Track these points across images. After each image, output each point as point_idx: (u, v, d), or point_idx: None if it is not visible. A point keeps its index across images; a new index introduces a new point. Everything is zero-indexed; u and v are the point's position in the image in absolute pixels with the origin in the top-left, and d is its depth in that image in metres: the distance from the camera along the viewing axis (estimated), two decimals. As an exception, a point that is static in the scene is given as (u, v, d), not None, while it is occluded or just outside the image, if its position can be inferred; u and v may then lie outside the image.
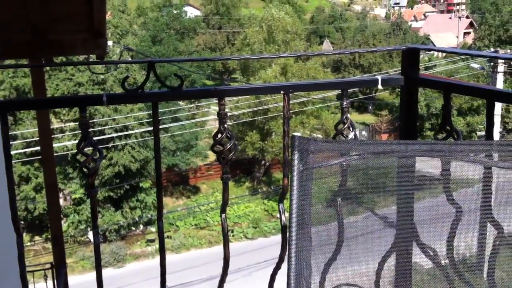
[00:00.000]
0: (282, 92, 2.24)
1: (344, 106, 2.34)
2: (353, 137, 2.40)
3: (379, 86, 2.37)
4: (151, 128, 23.05)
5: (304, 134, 30.99)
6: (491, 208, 1.77)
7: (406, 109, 2.38)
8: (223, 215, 2.31)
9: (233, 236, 25.54)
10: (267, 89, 2.39)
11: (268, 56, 2.64)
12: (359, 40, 56.25)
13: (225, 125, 2.19)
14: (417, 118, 2.43)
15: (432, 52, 65.91)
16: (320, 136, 35.83)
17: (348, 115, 2.36)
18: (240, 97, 27.59)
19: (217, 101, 2.17)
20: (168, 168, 27.72)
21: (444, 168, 1.84)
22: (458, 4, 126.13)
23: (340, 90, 2.35)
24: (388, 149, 1.85)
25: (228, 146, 2.22)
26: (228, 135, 2.22)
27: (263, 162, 30.80)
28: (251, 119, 27.26)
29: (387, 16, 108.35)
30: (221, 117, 2.19)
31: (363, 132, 40.47)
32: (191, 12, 60.35)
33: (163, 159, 26.70)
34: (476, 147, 1.80)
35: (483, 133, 24.85)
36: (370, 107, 45.56)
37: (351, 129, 2.38)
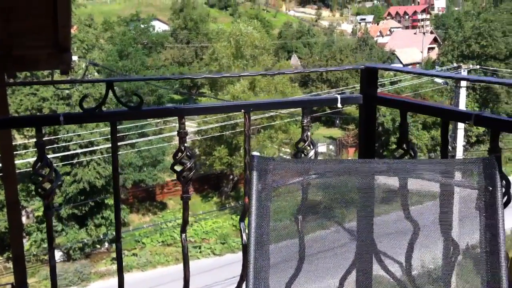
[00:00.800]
0: (242, 110, 2.24)
1: (304, 124, 2.36)
2: (314, 155, 2.41)
3: (339, 105, 2.40)
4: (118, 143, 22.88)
5: (272, 148, 31.10)
6: (447, 223, 1.80)
7: (365, 127, 2.42)
8: (183, 235, 2.29)
9: (200, 252, 25.29)
10: (228, 108, 2.39)
11: (228, 75, 2.64)
12: (326, 55, 57.02)
13: (185, 144, 2.18)
14: (376, 136, 2.46)
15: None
16: (288, 150, 36.02)
17: (309, 133, 2.38)
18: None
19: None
20: (134, 184, 27.35)
21: (401, 186, 1.87)
22: (422, 20, 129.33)
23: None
24: (347, 168, 1.88)
25: (188, 165, 2.21)
26: (188, 154, 2.21)
27: (231, 177, 30.74)
28: (219, 133, 27.23)
29: (354, 31, 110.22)
30: (181, 136, 2.18)
31: (331, 146, 40.84)
32: (159, 26, 60.19)
33: (129, 175, 26.35)
34: (431, 166, 1.84)
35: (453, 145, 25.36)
36: (337, 122, 46.08)
37: (311, 146, 2.40)
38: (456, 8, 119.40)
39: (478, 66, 33.36)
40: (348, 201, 1.94)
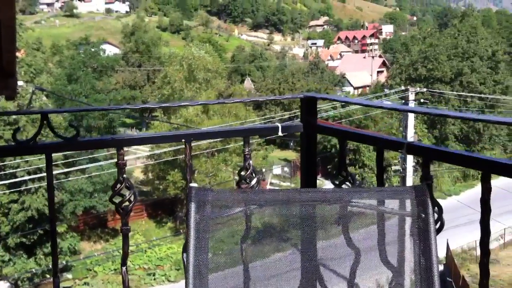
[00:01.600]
0: (183, 140, 2.23)
1: (246, 153, 2.37)
2: (256, 183, 2.42)
3: (279, 133, 2.42)
4: (67, 170, 22.27)
5: (227, 171, 31.04)
6: (384, 250, 1.84)
7: (306, 156, 2.45)
8: (124, 268, 2.23)
9: (154, 279, 24.79)
10: (168, 138, 2.37)
11: (168, 104, 2.63)
12: (279, 78, 57.72)
13: (124, 175, 2.14)
14: (317, 164, 2.49)
15: (347, 91, 68.64)
16: (243, 173, 36.01)
17: (251, 161, 2.38)
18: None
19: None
20: (85, 211, 26.66)
21: (341, 213, 1.90)
22: (371, 44, 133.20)
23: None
24: (287, 197, 1.90)
25: (128, 197, 2.17)
26: (128, 184, 2.17)
27: (214, 189, 30.37)
28: (172, 158, 26.96)
29: (305, 55, 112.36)
30: (120, 167, 2.14)
31: (286, 169, 41.12)
32: (110, 50, 59.67)
33: (80, 201, 25.69)
34: (366, 194, 1.88)
35: (398, 167, 25.99)
36: (292, 144, 46.51)
37: (254, 175, 2.41)
38: (403, 33, 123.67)
39: (425, 89, 34.41)
40: (290, 229, 1.96)
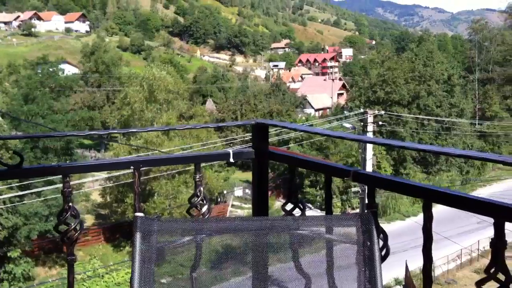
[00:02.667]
0: (132, 167, 2.20)
1: (197, 179, 2.35)
2: (207, 210, 2.40)
3: (231, 160, 2.42)
4: (21, 193, 21.59)
5: (187, 193, 30.74)
6: (331, 277, 1.84)
7: (257, 182, 2.45)
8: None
9: (111, 306, 24.19)
10: (116, 165, 2.34)
11: (116, 131, 2.60)
12: (241, 100, 57.95)
13: (70, 204, 2.09)
14: (268, 190, 2.50)
15: (307, 113, 69.45)
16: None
17: (202, 188, 2.37)
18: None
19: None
20: (40, 235, 25.84)
21: (290, 241, 1.90)
22: (331, 67, 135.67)
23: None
24: (238, 226, 1.90)
25: (73, 226, 2.12)
26: (74, 213, 2.13)
27: (161, 218, 29.87)
28: (131, 180, 26.53)
29: (267, 77, 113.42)
30: (66, 195, 2.09)
31: (247, 190, 41.04)
32: (69, 69, 58.78)
33: (35, 225, 24.92)
34: (313, 222, 1.89)
35: (357, 188, 26.38)
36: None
37: (204, 201, 2.39)
38: (362, 56, 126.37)
39: (383, 112, 34.98)
40: (241, 257, 1.95)
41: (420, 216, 1.69)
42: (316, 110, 77.26)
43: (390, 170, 41.01)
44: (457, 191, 1.59)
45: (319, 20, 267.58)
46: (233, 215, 34.86)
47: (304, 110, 73.75)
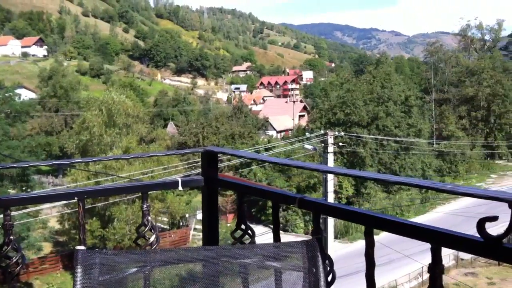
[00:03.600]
0: (76, 198, 2.15)
1: (144, 209, 2.32)
2: (155, 240, 2.37)
3: (180, 188, 2.40)
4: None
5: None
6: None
7: (207, 210, 2.43)
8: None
9: (70, 335, 23.39)
10: (60, 196, 2.28)
11: (79, 160, 2.56)
12: (202, 122, 57.82)
13: (11, 237, 2.02)
14: (218, 218, 2.48)
15: (269, 135, 69.82)
16: (166, 219, 35.29)
17: (149, 217, 2.34)
18: (79, 177, 26.37)
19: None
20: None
21: (239, 270, 1.89)
22: (292, 89, 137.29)
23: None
24: (185, 256, 1.88)
25: (15, 260, 2.05)
26: (15, 246, 2.06)
27: (104, 251, 29.22)
28: (90, 205, 25.99)
29: (229, 100, 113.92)
30: (7, 228, 2.02)
31: (209, 213, 40.74)
32: (26, 94, 57.53)
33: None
34: (259, 250, 1.88)
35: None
36: (215, 188, 46.21)
37: (152, 231, 2.36)
38: (322, 79, 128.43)
39: (343, 133, 35.43)
40: (190, 287, 1.92)
41: (382, 235, 1.71)
42: (278, 131, 77.83)
43: (352, 190, 41.46)
44: (397, 217, 1.62)
45: (280, 44, 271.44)
46: (195, 239, 34.45)
47: (266, 132, 74.19)
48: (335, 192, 35.53)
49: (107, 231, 27.32)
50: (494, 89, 64.57)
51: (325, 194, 24.36)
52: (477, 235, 1.31)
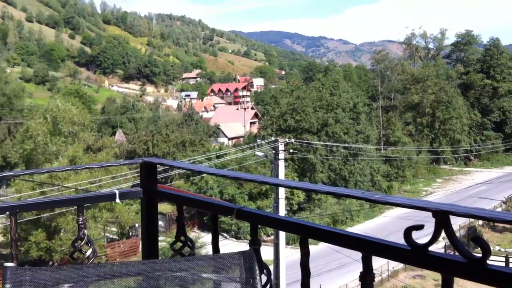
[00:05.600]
0: (7, 213, 2.07)
1: (80, 222, 2.26)
2: (92, 253, 2.31)
3: (117, 201, 2.35)
4: None
5: (97, 228, 29.59)
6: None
7: (146, 222, 2.39)
8: None
9: None
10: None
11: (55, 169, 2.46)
12: (152, 130, 57.14)
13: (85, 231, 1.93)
14: (158, 231, 2.44)
15: (220, 142, 69.73)
16: (114, 229, 34.56)
17: (85, 231, 2.28)
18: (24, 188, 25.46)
19: None
20: None
21: (179, 283, 1.87)
22: (243, 96, 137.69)
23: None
24: (120, 271, 1.83)
25: (87, 254, 1.98)
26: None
27: (50, 263, 28.37)
28: (36, 216, 25.12)
29: (179, 107, 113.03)
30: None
31: (160, 222, 40.22)
32: (-36, 103, 55.37)
33: None
34: (197, 262, 1.86)
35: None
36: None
37: (89, 244, 2.30)
38: (273, 86, 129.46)
39: (293, 140, 35.77)
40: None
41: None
42: (230, 138, 77.85)
43: (303, 196, 41.86)
44: (330, 227, 1.64)
45: (230, 51, 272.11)
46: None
47: (218, 139, 74.08)
48: (287, 198, 35.82)
49: (53, 243, 26.50)
50: (438, 96, 66.90)
51: (276, 200, 24.50)
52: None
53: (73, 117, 31.01)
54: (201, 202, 2.17)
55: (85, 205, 2.30)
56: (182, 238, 2.23)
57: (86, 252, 2.28)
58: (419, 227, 1.29)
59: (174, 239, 2.25)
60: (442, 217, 1.24)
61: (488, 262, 1.20)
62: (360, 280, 1.48)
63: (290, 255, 29.92)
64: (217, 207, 2.05)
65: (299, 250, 1.69)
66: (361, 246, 1.46)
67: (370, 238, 1.45)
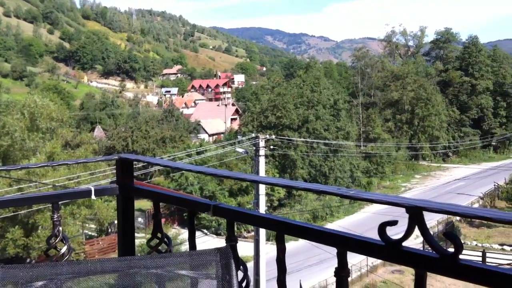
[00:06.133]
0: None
1: (55, 219, 2.23)
2: (67, 251, 2.28)
3: (93, 197, 2.32)
4: None
5: (75, 225, 29.31)
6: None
7: (122, 219, 2.37)
8: None
9: None
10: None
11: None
12: (132, 126, 56.73)
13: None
14: (134, 228, 2.42)
15: (201, 138, 69.56)
16: (93, 226, 34.27)
17: (60, 228, 2.24)
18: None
19: None
20: None
21: (155, 280, 1.85)
22: (224, 93, 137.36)
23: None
24: (95, 268, 1.81)
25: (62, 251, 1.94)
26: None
27: (28, 260, 28.01)
28: (12, 213, 24.72)
29: (159, 103, 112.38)
30: None
31: (139, 219, 39.96)
32: None
33: None
34: (173, 259, 1.85)
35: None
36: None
37: (64, 242, 2.27)
38: (254, 82, 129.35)
39: (274, 136, 35.86)
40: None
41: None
42: (210, 135, 77.67)
43: (284, 192, 42.00)
44: (306, 223, 1.64)
45: (211, 47, 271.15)
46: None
47: (199, 135, 73.86)
48: (267, 194, 35.89)
49: (31, 240, 26.17)
50: (417, 93, 67.63)
51: (256, 197, 24.52)
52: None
53: (51, 113, 30.58)
54: (177, 199, 2.16)
55: (61, 202, 2.27)
56: (159, 235, 2.22)
57: (61, 250, 2.26)
58: (393, 223, 1.30)
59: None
60: (415, 212, 1.25)
61: (462, 257, 1.22)
62: (335, 276, 1.48)
63: (270, 251, 30.01)
64: (193, 203, 2.03)
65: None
66: (336, 241, 1.46)
67: (344, 234, 1.45)
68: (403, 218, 1.36)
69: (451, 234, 1.23)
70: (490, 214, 1.13)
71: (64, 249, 2.26)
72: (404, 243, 1.30)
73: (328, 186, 1.48)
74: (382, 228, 1.31)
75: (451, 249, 1.22)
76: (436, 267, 1.24)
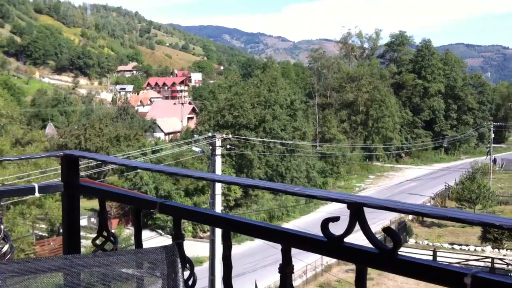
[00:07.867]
0: None
1: (-3, 217, 2.16)
2: (9, 249, 2.21)
3: (37, 194, 2.26)
4: None
5: (25, 225, 28.49)
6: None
7: (67, 217, 2.31)
8: None
9: None
10: None
11: None
12: (85, 124, 55.58)
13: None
14: (80, 226, 2.37)
15: (157, 137, 68.81)
16: (44, 226, 33.37)
17: (2, 226, 2.18)
18: None
19: None
20: None
21: (101, 278, 1.82)
22: (181, 91, 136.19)
23: None
24: (38, 267, 1.77)
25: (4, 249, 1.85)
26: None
27: None
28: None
29: (114, 100, 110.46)
30: None
31: (92, 219, 39.20)
32: None
33: None
34: (124, 257, 1.83)
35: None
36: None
37: (6, 240, 2.20)
38: (211, 81, 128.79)
39: (231, 135, 35.79)
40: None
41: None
42: (166, 134, 76.90)
43: (240, 192, 42.05)
44: (252, 220, 1.65)
45: (167, 44, 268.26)
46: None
47: (154, 134, 73.00)
48: (224, 194, 35.80)
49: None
50: (372, 94, 68.98)
51: (212, 196, 24.43)
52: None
53: (1, 109, 29.68)
54: (123, 196, 2.12)
55: (3, 199, 2.20)
56: (105, 233, 2.18)
57: (2, 248, 2.19)
58: (335, 219, 1.32)
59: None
60: (356, 208, 1.27)
61: (399, 252, 1.24)
62: (279, 272, 1.49)
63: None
64: (139, 201, 2.01)
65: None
66: (280, 238, 1.47)
67: (288, 230, 1.46)
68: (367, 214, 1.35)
69: (390, 230, 1.25)
70: (425, 210, 1.16)
71: (5, 247, 2.19)
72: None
73: (274, 183, 1.49)
74: (324, 224, 1.33)
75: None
76: (375, 262, 1.26)
